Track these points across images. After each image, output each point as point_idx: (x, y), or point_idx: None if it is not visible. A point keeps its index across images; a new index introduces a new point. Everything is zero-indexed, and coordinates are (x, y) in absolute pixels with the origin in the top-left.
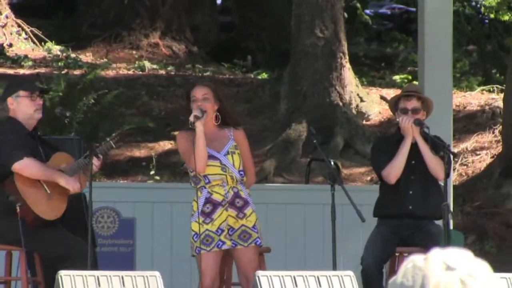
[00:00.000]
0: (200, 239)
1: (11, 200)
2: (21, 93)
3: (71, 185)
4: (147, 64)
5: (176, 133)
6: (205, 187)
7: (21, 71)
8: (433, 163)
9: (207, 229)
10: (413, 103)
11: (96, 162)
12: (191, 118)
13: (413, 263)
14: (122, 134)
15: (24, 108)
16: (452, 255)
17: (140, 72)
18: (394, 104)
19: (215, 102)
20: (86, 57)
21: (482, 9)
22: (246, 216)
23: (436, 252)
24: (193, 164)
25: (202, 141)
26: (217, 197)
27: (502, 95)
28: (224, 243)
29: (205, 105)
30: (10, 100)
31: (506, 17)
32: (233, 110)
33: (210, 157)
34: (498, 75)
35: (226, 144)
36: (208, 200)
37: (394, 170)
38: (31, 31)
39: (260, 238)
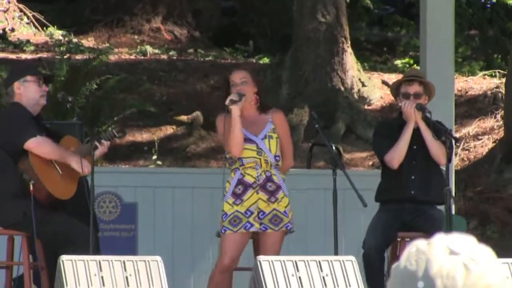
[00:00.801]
0: (228, 219)
1: (24, 179)
2: (29, 78)
3: (82, 167)
4: (149, 49)
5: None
6: (238, 169)
7: (23, 56)
8: (435, 148)
9: (236, 210)
10: (415, 88)
11: (101, 148)
12: (227, 102)
13: (417, 247)
14: (122, 125)
15: (31, 93)
16: (455, 240)
17: (142, 57)
18: (395, 89)
19: (254, 85)
20: (88, 42)
21: None
22: (278, 200)
23: (440, 237)
24: (228, 146)
25: (238, 125)
26: (248, 179)
27: (504, 80)
28: (252, 225)
29: (244, 89)
30: (17, 84)
31: (510, 1)
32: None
33: (247, 140)
34: (500, 60)
35: (264, 127)
36: (240, 182)
37: (397, 155)
38: (33, 15)
39: (290, 223)
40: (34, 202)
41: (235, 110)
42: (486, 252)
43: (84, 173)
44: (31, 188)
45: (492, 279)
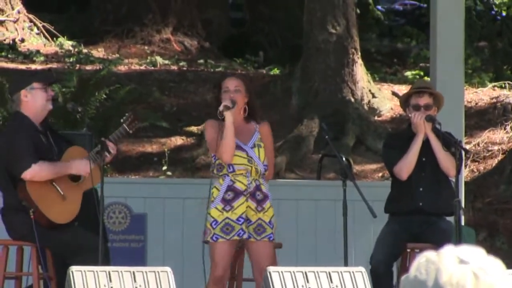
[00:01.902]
0: (219, 227)
1: (25, 205)
2: (35, 85)
3: (81, 169)
4: (159, 59)
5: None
6: (227, 175)
7: (33, 67)
8: (444, 160)
9: (227, 217)
10: (425, 100)
11: (111, 150)
12: (221, 108)
13: (426, 258)
14: (134, 115)
15: (39, 100)
16: (464, 250)
17: (152, 68)
18: (405, 100)
19: (246, 94)
20: (98, 52)
21: (495, 6)
22: (264, 210)
23: (449, 248)
24: (219, 153)
25: (231, 132)
26: (239, 186)
27: None
28: (244, 232)
29: (236, 97)
30: (24, 92)
31: None
32: (258, 104)
33: (238, 147)
34: (509, 72)
35: (252, 136)
36: (230, 188)
37: (406, 166)
38: (43, 26)
39: (273, 234)
40: (37, 224)
41: (228, 116)
42: (495, 262)
43: (86, 174)
44: (32, 215)
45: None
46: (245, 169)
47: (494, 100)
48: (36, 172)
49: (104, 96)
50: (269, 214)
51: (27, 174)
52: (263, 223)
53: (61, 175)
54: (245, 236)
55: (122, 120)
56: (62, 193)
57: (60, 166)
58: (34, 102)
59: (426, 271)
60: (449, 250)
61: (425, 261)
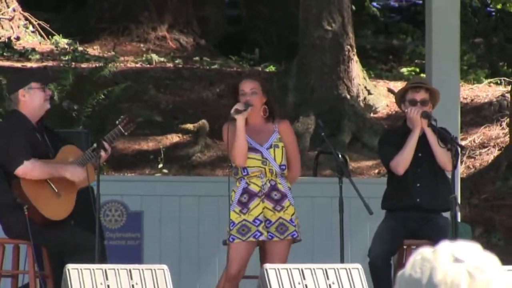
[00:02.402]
0: (236, 228)
1: (19, 202)
2: (33, 84)
3: (76, 176)
4: (154, 57)
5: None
6: (243, 178)
7: (29, 65)
8: (442, 154)
9: (244, 219)
10: (421, 95)
11: (103, 153)
12: (232, 111)
13: (422, 255)
14: (130, 118)
15: (37, 99)
16: (460, 247)
17: (148, 65)
18: (401, 96)
19: (263, 95)
20: (94, 50)
21: (489, 1)
22: (284, 208)
23: (445, 245)
24: (232, 156)
25: (242, 135)
26: (253, 188)
27: (509, 87)
28: (261, 234)
29: (253, 99)
30: (22, 92)
31: None
32: (276, 103)
33: (252, 149)
34: (505, 67)
35: (270, 137)
36: (245, 191)
37: (403, 161)
38: (39, 24)
39: (297, 232)
40: (31, 222)
41: (239, 120)
42: (491, 260)
43: (80, 181)
44: (26, 212)
45: (497, 287)
46: (259, 171)
47: (490, 97)
48: (28, 169)
49: (103, 96)
50: (290, 212)
51: (19, 171)
52: (284, 222)
53: (55, 176)
54: (261, 238)
55: (117, 122)
56: (56, 190)
57: (54, 167)
58: (32, 101)
59: (421, 269)
60: (444, 248)
61: (420, 259)
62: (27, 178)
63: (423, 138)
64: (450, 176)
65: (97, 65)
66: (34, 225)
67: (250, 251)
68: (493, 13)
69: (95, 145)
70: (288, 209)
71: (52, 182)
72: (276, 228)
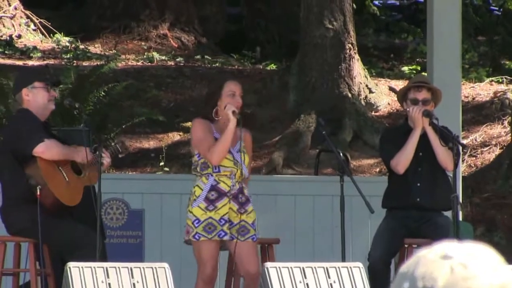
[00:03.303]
0: (202, 226)
1: (31, 184)
2: (37, 84)
3: (84, 156)
4: (156, 55)
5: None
6: (211, 175)
7: (30, 63)
8: (443, 154)
9: (210, 217)
10: (423, 94)
11: (106, 159)
12: (231, 113)
13: (420, 252)
14: (124, 146)
15: (40, 99)
16: (457, 246)
17: (149, 64)
18: (403, 95)
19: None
20: (95, 48)
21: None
22: (247, 212)
23: (444, 243)
24: (211, 153)
25: (230, 138)
26: (223, 187)
27: (511, 86)
28: (226, 234)
29: (240, 103)
30: (25, 91)
31: None
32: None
33: None
34: (506, 65)
35: (237, 142)
36: (214, 188)
37: (403, 159)
38: (40, 22)
39: (256, 235)
40: (41, 209)
41: (234, 122)
42: (486, 259)
43: (83, 160)
44: (38, 193)
45: (476, 284)
46: (230, 171)
47: (492, 95)
48: (48, 146)
49: (103, 93)
50: (252, 216)
51: (39, 148)
52: (246, 225)
53: (68, 159)
54: (226, 238)
55: (114, 143)
56: (67, 179)
57: (68, 149)
58: (36, 101)
59: (409, 264)
60: (441, 245)
61: (415, 257)
62: (43, 159)
63: (424, 137)
64: (451, 176)
65: (98, 63)
66: (42, 214)
67: (217, 249)
68: (496, 11)
69: (96, 145)
70: (251, 214)
71: (64, 171)
72: (237, 230)
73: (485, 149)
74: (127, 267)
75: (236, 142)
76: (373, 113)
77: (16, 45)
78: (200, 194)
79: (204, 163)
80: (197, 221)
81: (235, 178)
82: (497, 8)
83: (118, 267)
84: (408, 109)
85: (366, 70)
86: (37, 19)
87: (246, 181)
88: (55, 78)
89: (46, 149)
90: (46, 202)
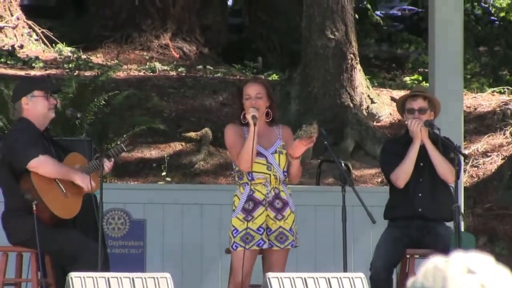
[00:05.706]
0: (239, 236)
1: (27, 198)
2: (36, 92)
3: (85, 183)
4: (157, 65)
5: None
6: (247, 184)
7: (32, 73)
8: (442, 167)
9: (248, 227)
10: (419, 103)
11: (108, 164)
12: (250, 118)
13: (434, 264)
14: (133, 137)
15: (39, 107)
16: (473, 259)
17: (151, 74)
18: (401, 106)
19: (267, 99)
20: (97, 58)
21: (492, 10)
22: (284, 218)
23: (458, 255)
24: (239, 160)
25: (255, 142)
26: (258, 196)
27: None
28: (264, 242)
29: (258, 103)
30: (24, 100)
31: None
32: (276, 108)
33: (258, 154)
34: (508, 76)
35: (275, 142)
36: (250, 198)
37: (402, 174)
38: (42, 32)
39: (294, 241)
40: (38, 222)
41: (253, 127)
42: (503, 272)
43: (88, 189)
44: (34, 208)
45: None
46: (264, 178)
47: (493, 105)
48: (42, 162)
49: (103, 102)
50: (290, 221)
51: (33, 163)
52: (284, 231)
53: (65, 179)
54: (265, 246)
55: (119, 141)
56: (64, 191)
57: (65, 169)
58: (35, 109)
59: (433, 278)
60: (458, 258)
61: (432, 268)
62: (38, 174)
63: (424, 148)
64: (453, 186)
65: (99, 73)
66: (40, 225)
67: (253, 259)
68: (496, 23)
69: (98, 154)
70: (288, 218)
71: (61, 182)
72: (276, 237)
73: (487, 159)
74: (129, 278)
75: (273, 143)
76: (374, 123)
77: (18, 55)
78: (238, 204)
79: (239, 171)
80: (235, 231)
81: (270, 185)
82: (497, 20)
83: (120, 278)
84: (407, 122)
85: (368, 80)
86: (39, 29)
87: (295, 178)
88: (55, 87)
89: (40, 165)
90: (43, 217)
